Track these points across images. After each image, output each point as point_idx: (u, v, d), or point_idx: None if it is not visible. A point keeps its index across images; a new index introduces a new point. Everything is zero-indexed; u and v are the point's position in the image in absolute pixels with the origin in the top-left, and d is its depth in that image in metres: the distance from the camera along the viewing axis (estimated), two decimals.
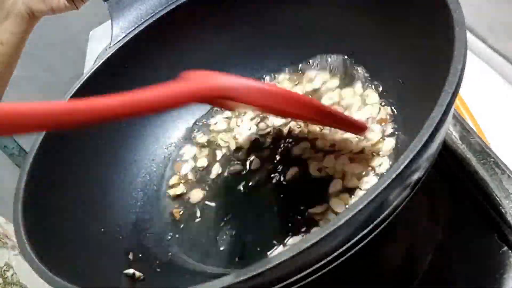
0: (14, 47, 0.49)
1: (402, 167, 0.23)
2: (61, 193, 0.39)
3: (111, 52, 0.47)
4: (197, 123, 0.52)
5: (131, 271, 0.37)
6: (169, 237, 0.43)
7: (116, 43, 0.47)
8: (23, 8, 0.48)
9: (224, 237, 0.40)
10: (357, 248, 0.25)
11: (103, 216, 0.42)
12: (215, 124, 0.51)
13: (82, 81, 0.44)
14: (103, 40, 0.49)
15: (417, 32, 0.35)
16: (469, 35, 0.52)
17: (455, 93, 0.26)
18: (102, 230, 0.41)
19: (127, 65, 0.47)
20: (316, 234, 0.23)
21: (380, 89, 0.43)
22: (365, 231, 0.25)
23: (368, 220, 0.24)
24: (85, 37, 1.05)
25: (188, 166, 0.48)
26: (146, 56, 0.49)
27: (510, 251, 0.34)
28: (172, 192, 0.46)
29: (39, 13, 0.49)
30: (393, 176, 0.23)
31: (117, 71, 0.47)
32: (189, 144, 0.50)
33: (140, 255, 0.40)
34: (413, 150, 0.24)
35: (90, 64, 0.90)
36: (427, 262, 0.36)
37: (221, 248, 0.40)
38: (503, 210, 0.36)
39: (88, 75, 0.45)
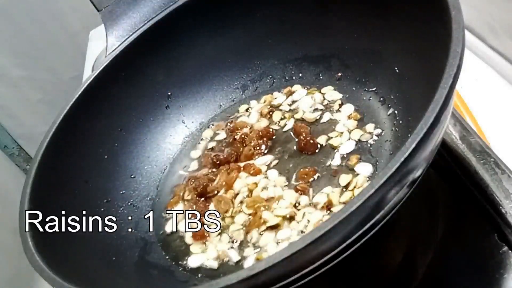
0: None
1: (399, 162, 0.23)
2: (65, 203, 0.39)
3: (107, 62, 0.47)
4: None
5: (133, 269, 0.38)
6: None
7: (111, 52, 0.47)
8: None
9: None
10: (355, 246, 0.25)
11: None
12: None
13: (80, 91, 0.45)
14: (103, 40, 0.49)
15: (412, 20, 0.35)
16: (469, 35, 0.52)
17: (456, 75, 0.26)
18: (109, 234, 0.40)
19: (124, 73, 0.48)
20: (313, 233, 0.23)
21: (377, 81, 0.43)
22: (363, 230, 0.25)
23: (366, 218, 0.24)
24: (85, 37, 1.05)
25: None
26: (142, 62, 0.49)
27: (510, 251, 0.34)
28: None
29: None
30: (392, 171, 0.23)
31: (114, 79, 0.47)
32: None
33: (143, 261, 0.40)
34: (416, 138, 0.24)
35: (90, 64, 0.90)
36: (427, 262, 0.36)
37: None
38: (503, 210, 0.35)
39: (85, 86, 0.45)
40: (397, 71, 0.40)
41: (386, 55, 0.41)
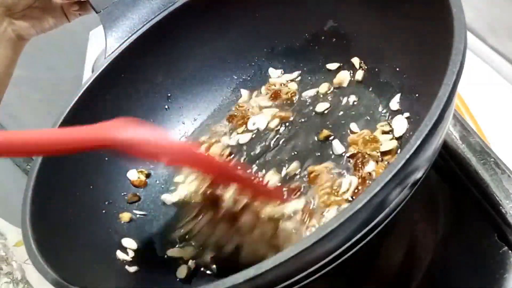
0: (6, 68, 0.51)
1: (398, 166, 0.23)
2: (67, 205, 0.39)
3: (107, 63, 0.47)
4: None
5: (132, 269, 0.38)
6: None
7: (111, 53, 0.47)
8: (13, 35, 0.49)
9: None
10: (357, 247, 0.25)
11: (109, 221, 0.42)
12: None
13: (79, 93, 0.45)
14: (103, 40, 0.49)
15: (413, 18, 0.35)
16: (469, 35, 0.52)
17: (459, 72, 0.25)
18: (110, 230, 0.41)
19: (124, 75, 0.48)
20: (315, 234, 0.23)
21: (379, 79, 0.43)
22: (365, 231, 0.25)
23: (367, 219, 0.24)
24: (85, 37, 1.05)
25: None
26: (142, 64, 0.49)
27: (510, 251, 0.34)
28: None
29: (29, 37, 0.51)
30: (392, 173, 0.23)
31: (114, 81, 0.47)
32: None
33: (141, 255, 0.40)
34: (421, 135, 0.24)
35: (90, 64, 0.90)
36: (427, 262, 0.36)
37: None
38: (503, 210, 0.36)
39: (85, 88, 0.45)
40: (397, 70, 0.40)
41: (387, 54, 0.41)
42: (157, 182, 0.48)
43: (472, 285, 0.34)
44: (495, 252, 0.35)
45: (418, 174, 0.26)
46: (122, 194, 0.45)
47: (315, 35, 0.48)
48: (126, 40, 0.48)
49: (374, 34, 0.42)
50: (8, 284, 0.72)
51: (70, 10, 0.50)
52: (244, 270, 0.23)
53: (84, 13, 0.51)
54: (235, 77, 0.53)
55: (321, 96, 0.47)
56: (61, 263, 0.31)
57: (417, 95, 0.37)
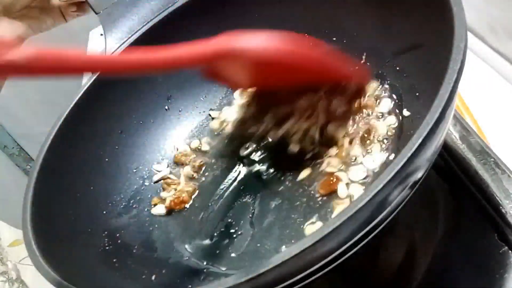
0: None
1: (400, 165, 0.23)
2: (67, 205, 0.40)
3: None
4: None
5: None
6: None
7: (110, 54, 0.47)
8: (12, 36, 0.49)
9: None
10: (357, 248, 0.25)
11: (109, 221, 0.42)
12: None
13: (79, 94, 0.45)
14: (103, 40, 0.49)
15: (413, 17, 0.36)
16: (469, 36, 0.52)
17: (460, 71, 0.25)
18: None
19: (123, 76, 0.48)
20: (316, 234, 0.23)
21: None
22: (365, 231, 0.25)
23: (368, 219, 0.25)
24: (85, 37, 1.04)
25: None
26: None
27: (510, 251, 0.34)
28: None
29: (27, 36, 0.51)
30: (393, 172, 0.23)
31: (114, 82, 0.47)
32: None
33: (144, 256, 0.40)
34: (422, 133, 0.24)
35: None
36: (427, 262, 0.36)
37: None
38: (503, 210, 0.36)
39: (85, 89, 0.45)
40: (397, 69, 0.41)
41: (387, 53, 0.41)
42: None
43: (472, 285, 0.34)
44: (495, 252, 0.35)
45: (419, 174, 0.26)
46: (123, 195, 0.45)
47: (314, 35, 0.48)
48: (126, 40, 0.48)
49: (374, 33, 0.42)
50: (3, 284, 0.72)
51: (68, 11, 0.50)
52: (246, 270, 0.23)
53: (82, 14, 0.51)
54: None
55: None
56: (61, 263, 0.31)
57: (417, 94, 0.37)
